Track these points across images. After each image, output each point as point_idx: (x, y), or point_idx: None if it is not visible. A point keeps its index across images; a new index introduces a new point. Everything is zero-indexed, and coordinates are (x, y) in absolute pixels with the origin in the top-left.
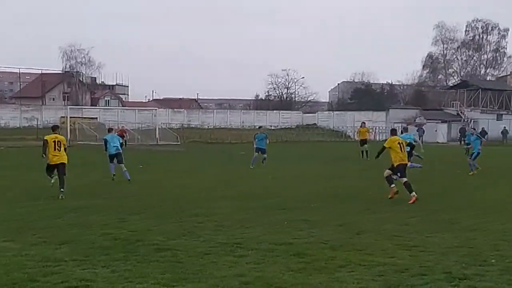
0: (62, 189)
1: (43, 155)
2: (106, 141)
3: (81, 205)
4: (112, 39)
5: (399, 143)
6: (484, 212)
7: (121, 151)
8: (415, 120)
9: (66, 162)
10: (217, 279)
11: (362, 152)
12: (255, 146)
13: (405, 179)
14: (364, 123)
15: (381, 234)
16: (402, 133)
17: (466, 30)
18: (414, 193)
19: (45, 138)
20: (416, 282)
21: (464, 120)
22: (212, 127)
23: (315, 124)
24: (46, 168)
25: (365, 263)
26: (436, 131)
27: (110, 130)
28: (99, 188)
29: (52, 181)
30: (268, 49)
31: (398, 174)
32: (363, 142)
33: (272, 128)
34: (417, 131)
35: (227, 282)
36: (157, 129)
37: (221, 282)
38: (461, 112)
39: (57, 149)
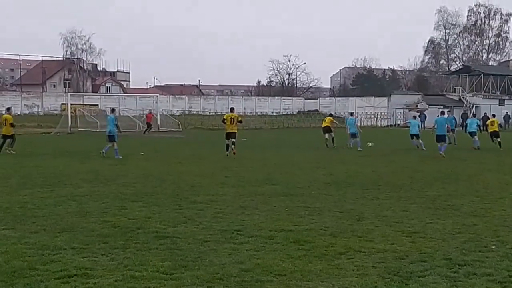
0: None
1: None
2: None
3: (80, 193)
4: (114, 26)
5: None
6: (485, 198)
7: (113, 134)
8: (417, 106)
9: None
10: (217, 266)
11: (327, 140)
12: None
13: None
14: (331, 114)
15: (381, 221)
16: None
17: (468, 15)
18: None
19: None
20: (416, 269)
21: (466, 106)
22: (213, 113)
23: (316, 110)
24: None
25: (365, 249)
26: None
27: (112, 110)
28: (99, 175)
29: None
30: (269, 35)
31: None
32: (326, 130)
33: (274, 114)
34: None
35: (227, 270)
36: (158, 115)
37: (220, 269)
38: (463, 98)
39: None
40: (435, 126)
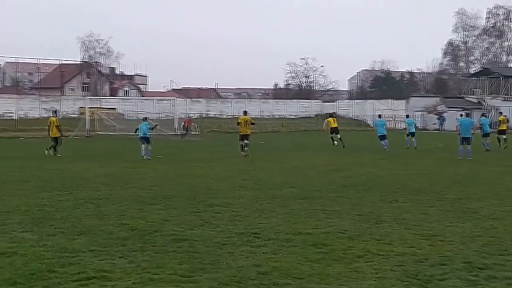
0: None
1: None
2: (137, 129)
3: (98, 196)
4: (131, 29)
5: None
6: (505, 201)
7: (148, 136)
8: (435, 108)
9: None
10: (234, 269)
11: (333, 139)
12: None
13: None
14: (334, 113)
15: (400, 224)
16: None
17: (487, 17)
18: None
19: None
20: (436, 272)
21: (485, 108)
22: (230, 116)
23: (334, 113)
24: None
25: (384, 253)
26: (457, 118)
27: (144, 119)
28: (116, 178)
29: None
30: (287, 38)
31: None
32: (335, 130)
33: (292, 117)
34: (438, 119)
35: (244, 273)
36: (176, 119)
37: (238, 272)
38: (483, 100)
39: None
40: (459, 128)
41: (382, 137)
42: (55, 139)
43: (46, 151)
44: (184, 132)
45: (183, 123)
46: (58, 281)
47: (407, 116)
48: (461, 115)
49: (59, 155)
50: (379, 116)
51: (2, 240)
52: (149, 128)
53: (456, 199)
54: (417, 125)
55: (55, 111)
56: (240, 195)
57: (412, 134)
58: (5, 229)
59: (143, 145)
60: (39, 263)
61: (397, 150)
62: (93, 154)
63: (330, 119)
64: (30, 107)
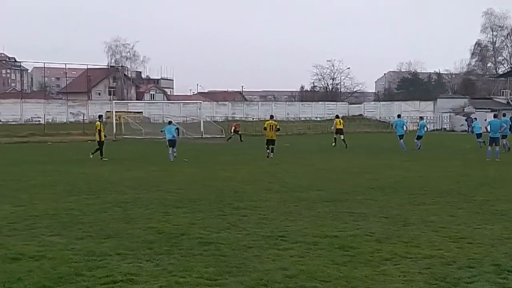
0: None
1: None
2: (164, 131)
3: (125, 199)
4: (157, 33)
5: None
6: None
7: (175, 139)
8: (463, 110)
9: None
10: (261, 272)
11: (335, 139)
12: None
13: None
14: (338, 115)
15: (428, 226)
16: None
17: None
18: None
19: None
20: (464, 275)
21: None
22: (256, 119)
23: (361, 115)
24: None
25: (411, 255)
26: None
27: (169, 122)
28: (143, 182)
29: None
30: (313, 40)
31: None
32: (340, 131)
33: (318, 119)
34: (466, 120)
35: (271, 276)
36: (202, 122)
37: (264, 275)
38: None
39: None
40: (489, 129)
41: (401, 137)
42: (99, 143)
43: (91, 154)
44: (232, 134)
45: (233, 127)
46: (86, 284)
47: (421, 118)
48: (475, 118)
49: (105, 159)
50: (398, 116)
51: (31, 244)
52: (176, 130)
53: (485, 201)
54: (445, 127)
55: (100, 116)
56: (266, 198)
57: (419, 137)
58: (34, 233)
59: (170, 148)
60: (67, 267)
61: (425, 152)
62: (119, 157)
63: (337, 120)
64: (58, 112)
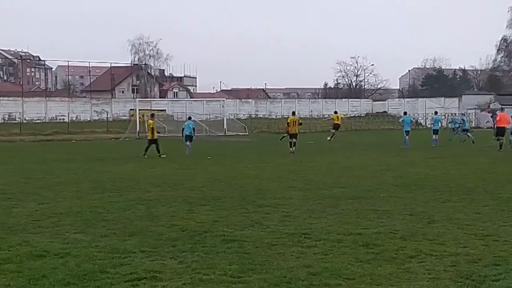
0: None
1: None
2: (183, 128)
3: (149, 197)
4: (180, 31)
5: None
6: None
7: (192, 135)
8: (489, 106)
9: None
10: (285, 270)
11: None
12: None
13: None
14: (336, 111)
15: (453, 224)
16: None
17: None
18: None
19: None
20: (490, 273)
21: None
22: (280, 116)
23: (385, 112)
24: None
25: (436, 253)
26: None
27: (189, 118)
28: (166, 180)
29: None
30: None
31: None
32: (337, 127)
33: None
34: (491, 117)
35: (295, 273)
36: (225, 119)
37: (288, 273)
38: None
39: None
40: None
41: (407, 133)
42: (153, 141)
43: (144, 154)
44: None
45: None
46: (110, 281)
47: (435, 113)
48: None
49: (163, 156)
50: (405, 113)
51: (56, 241)
52: (193, 128)
53: (511, 198)
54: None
55: (152, 115)
56: (290, 196)
57: (435, 131)
58: (58, 230)
59: (187, 142)
60: (92, 264)
61: (451, 149)
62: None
63: (335, 115)
64: (82, 110)
